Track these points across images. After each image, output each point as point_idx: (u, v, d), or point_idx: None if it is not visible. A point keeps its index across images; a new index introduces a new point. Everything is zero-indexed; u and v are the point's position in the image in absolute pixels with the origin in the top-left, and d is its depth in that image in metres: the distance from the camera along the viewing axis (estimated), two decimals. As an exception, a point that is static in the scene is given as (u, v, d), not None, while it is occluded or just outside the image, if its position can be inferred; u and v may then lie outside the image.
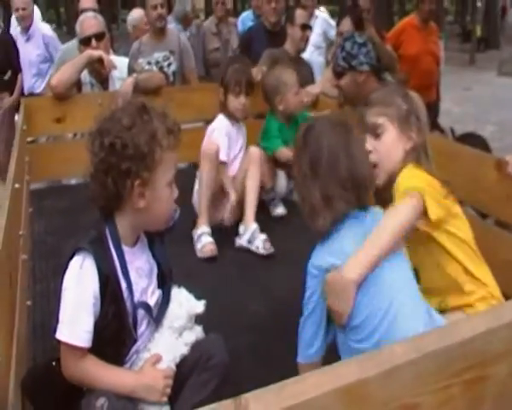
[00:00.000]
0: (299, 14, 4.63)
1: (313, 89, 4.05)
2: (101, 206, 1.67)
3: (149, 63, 4.93)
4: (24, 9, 6.07)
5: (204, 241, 3.08)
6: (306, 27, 4.62)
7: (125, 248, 1.69)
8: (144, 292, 1.74)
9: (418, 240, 1.98)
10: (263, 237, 3.11)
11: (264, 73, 4.25)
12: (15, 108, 5.58)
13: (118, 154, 1.58)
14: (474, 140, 4.39)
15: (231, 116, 3.52)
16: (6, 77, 6.01)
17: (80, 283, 1.59)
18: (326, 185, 1.74)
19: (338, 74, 3.33)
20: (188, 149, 4.18)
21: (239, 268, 2.85)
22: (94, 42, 4.08)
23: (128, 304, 1.67)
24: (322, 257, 1.74)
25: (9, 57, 6.01)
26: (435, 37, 6.51)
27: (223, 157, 3.39)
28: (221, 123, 3.52)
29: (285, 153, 3.47)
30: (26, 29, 6.17)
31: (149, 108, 1.66)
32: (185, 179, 3.85)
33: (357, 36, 3.30)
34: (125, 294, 1.66)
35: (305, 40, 4.68)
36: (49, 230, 3.36)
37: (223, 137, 3.44)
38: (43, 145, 4.50)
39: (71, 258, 1.62)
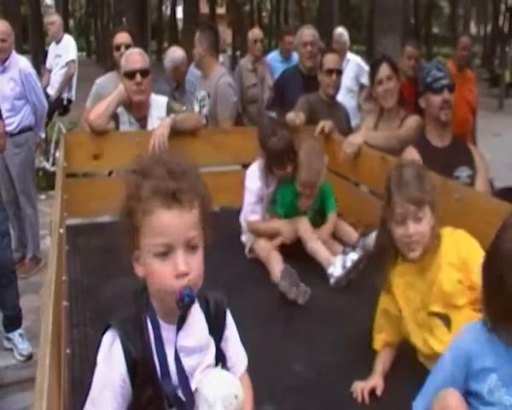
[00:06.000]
0: (326, 59, 4.61)
1: (356, 138, 3.90)
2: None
3: (196, 99, 5.00)
4: (3, 41, 5.39)
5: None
6: (333, 72, 4.55)
7: (164, 326, 1.57)
8: (194, 371, 1.59)
9: None
10: (354, 255, 3.06)
11: (301, 119, 4.22)
12: None
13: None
14: (515, 197, 4.24)
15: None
16: None
17: (107, 363, 1.54)
18: None
19: None
20: (223, 193, 4.22)
21: (282, 323, 2.77)
22: (139, 76, 4.03)
23: (165, 387, 1.54)
24: None
25: None
26: (471, 84, 6.36)
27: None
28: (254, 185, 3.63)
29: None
30: (3, 61, 5.45)
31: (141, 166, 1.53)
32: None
33: None
34: (162, 377, 1.55)
35: (334, 85, 4.62)
36: (85, 270, 3.30)
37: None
38: (80, 181, 4.51)
39: (104, 332, 1.58)
